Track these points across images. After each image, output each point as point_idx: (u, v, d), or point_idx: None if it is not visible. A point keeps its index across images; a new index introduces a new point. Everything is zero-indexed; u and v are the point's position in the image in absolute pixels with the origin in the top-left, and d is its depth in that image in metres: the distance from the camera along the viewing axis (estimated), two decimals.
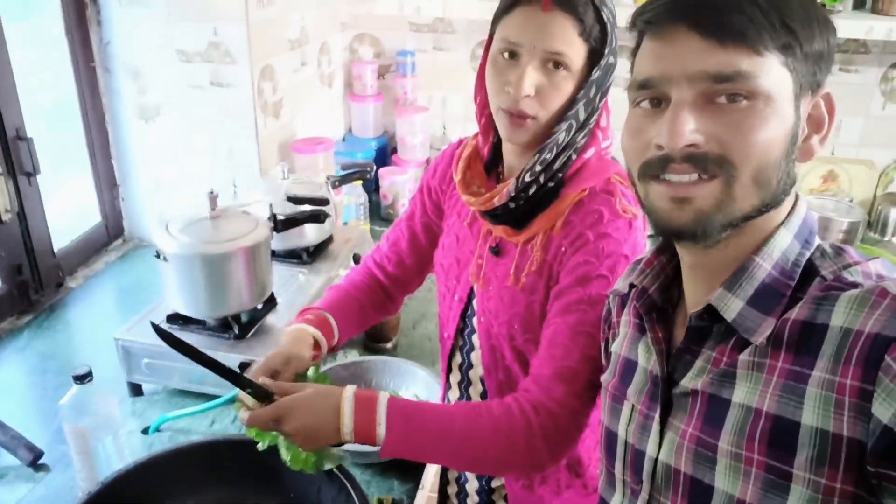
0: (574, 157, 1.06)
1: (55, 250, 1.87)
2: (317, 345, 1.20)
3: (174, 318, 1.47)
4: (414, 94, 2.67)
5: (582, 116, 1.03)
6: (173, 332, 1.01)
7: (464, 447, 0.99)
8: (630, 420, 0.82)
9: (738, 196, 0.67)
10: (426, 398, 1.44)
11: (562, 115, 1.03)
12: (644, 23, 0.71)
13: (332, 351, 1.27)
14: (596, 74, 1.02)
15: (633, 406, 0.82)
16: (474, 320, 1.22)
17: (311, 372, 1.15)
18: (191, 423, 1.40)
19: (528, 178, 1.05)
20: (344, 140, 2.70)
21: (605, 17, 1.00)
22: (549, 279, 1.08)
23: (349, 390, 0.99)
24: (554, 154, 1.04)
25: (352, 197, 2.22)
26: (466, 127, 2.62)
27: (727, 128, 0.66)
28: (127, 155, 2.10)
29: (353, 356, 1.60)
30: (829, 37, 0.68)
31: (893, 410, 0.57)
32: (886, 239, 2.43)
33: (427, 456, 1.03)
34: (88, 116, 1.99)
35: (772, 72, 0.65)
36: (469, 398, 1.28)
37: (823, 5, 0.66)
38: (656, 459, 0.77)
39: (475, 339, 1.23)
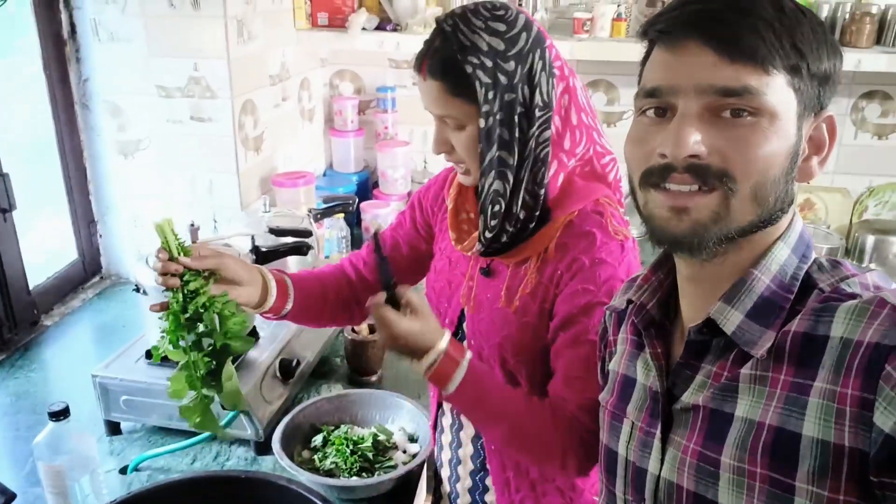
0: (540, 190, 1.06)
1: (30, 288, 1.83)
2: (264, 292, 1.17)
3: (151, 355, 1.43)
4: (395, 128, 2.69)
5: (511, 160, 1.03)
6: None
7: (511, 436, 1.05)
8: (630, 438, 0.82)
9: (736, 210, 0.68)
10: (413, 431, 1.42)
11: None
12: (657, 32, 0.72)
13: (280, 316, 1.23)
14: (485, 122, 1.02)
15: (633, 423, 0.82)
16: (465, 344, 1.20)
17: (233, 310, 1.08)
18: (170, 460, 1.36)
19: (487, 235, 1.08)
20: (325, 175, 2.70)
21: (468, 69, 1.01)
22: (543, 301, 1.08)
23: (444, 342, 1.02)
24: (503, 203, 1.05)
25: (333, 231, 2.21)
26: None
27: (730, 142, 0.67)
28: (105, 191, 2.08)
29: (337, 389, 1.57)
30: (835, 61, 0.69)
31: (895, 419, 0.57)
32: (864, 265, 2.46)
33: (479, 425, 1.15)
34: (66, 153, 1.98)
35: (778, 90, 0.66)
36: (461, 424, 1.26)
37: None
38: (658, 476, 0.76)
39: None
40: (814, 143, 0.72)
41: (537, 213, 1.07)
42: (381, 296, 1.05)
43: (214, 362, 1.05)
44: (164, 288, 1.05)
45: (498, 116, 1.02)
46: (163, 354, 1.04)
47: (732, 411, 0.69)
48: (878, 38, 2.22)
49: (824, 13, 2.25)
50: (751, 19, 0.66)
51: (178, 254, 1.05)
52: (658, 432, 0.77)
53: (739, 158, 0.67)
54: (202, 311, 1.04)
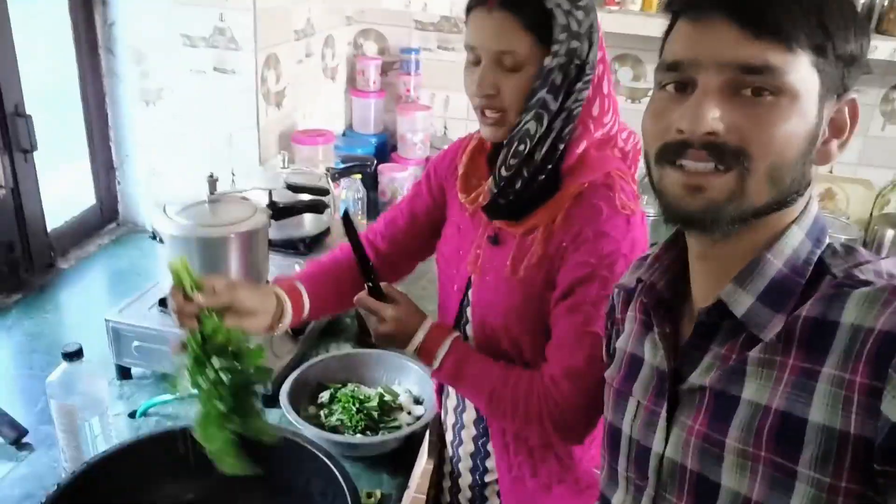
0: (562, 147, 1.07)
1: (48, 230, 1.84)
2: (280, 311, 1.19)
3: (167, 302, 1.45)
4: (416, 92, 2.67)
5: (552, 105, 1.03)
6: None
7: (491, 406, 1.12)
8: (636, 416, 0.82)
9: (751, 190, 0.67)
10: (418, 394, 1.43)
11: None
12: (682, 4, 0.71)
13: (300, 324, 1.25)
14: (551, 61, 1.02)
15: (638, 402, 0.82)
16: (469, 311, 1.21)
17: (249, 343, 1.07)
18: (179, 408, 1.38)
19: (503, 173, 1.07)
20: (344, 135, 2.69)
21: (549, 5, 1.01)
22: (548, 272, 1.08)
23: (427, 323, 1.15)
24: (529, 145, 1.05)
25: (350, 192, 2.20)
26: (469, 126, 2.57)
27: (749, 120, 0.66)
28: (126, 139, 2.08)
29: (345, 349, 1.59)
30: (863, 42, 0.68)
31: None
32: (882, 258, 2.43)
33: (465, 396, 1.24)
34: (89, 98, 1.98)
35: (801, 70, 0.65)
36: None
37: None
38: (662, 455, 0.76)
39: (469, 329, 1.22)
40: (835, 125, 0.70)
41: (550, 168, 1.07)
42: (365, 290, 1.16)
43: (237, 398, 1.02)
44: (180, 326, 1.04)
45: (561, 60, 1.02)
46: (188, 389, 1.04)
47: (739, 394, 0.68)
48: None
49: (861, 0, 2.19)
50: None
51: (193, 291, 1.04)
52: (664, 412, 0.77)
53: (757, 137, 0.66)
54: (220, 350, 1.02)
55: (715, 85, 0.66)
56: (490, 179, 1.10)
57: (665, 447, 0.76)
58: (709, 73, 0.66)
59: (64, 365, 1.11)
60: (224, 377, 1.01)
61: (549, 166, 1.07)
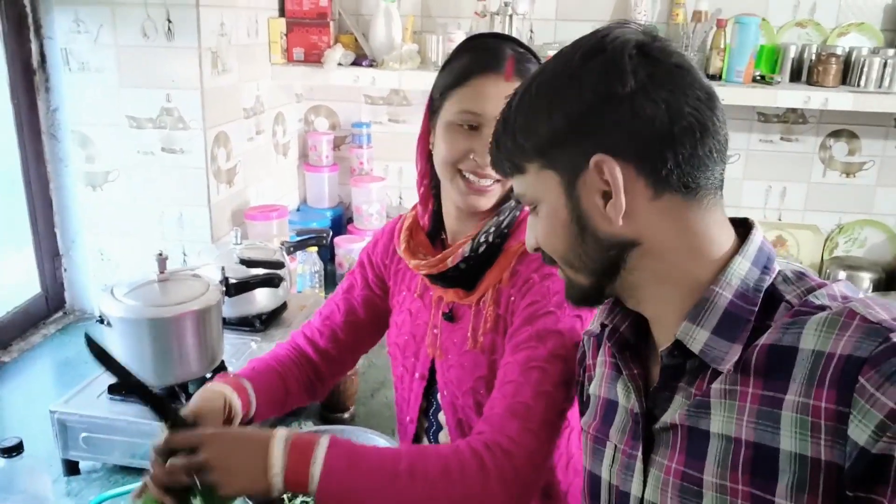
0: (518, 213, 1.09)
1: None
2: (229, 410, 1.05)
3: (117, 389, 1.38)
4: (370, 164, 2.68)
5: None
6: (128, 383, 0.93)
7: (411, 490, 0.86)
8: (613, 461, 0.81)
9: (572, 278, 0.78)
10: None
11: None
12: None
13: (245, 424, 1.10)
14: None
15: (615, 446, 0.81)
16: (438, 396, 1.17)
17: None
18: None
19: (482, 240, 1.07)
20: (298, 210, 2.67)
21: None
22: (504, 332, 1.06)
23: (283, 430, 0.87)
24: (516, 213, 1.08)
25: (307, 266, 2.17)
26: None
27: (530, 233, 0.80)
28: (71, 224, 2.03)
29: (308, 426, 1.52)
30: (554, 116, 0.71)
31: (869, 432, 0.57)
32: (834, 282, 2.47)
33: (368, 500, 0.87)
34: (32, 184, 1.93)
35: (534, 179, 0.74)
36: None
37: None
38: (642, 499, 0.75)
39: (441, 417, 1.17)
40: (597, 191, 0.70)
41: (498, 241, 1.08)
42: (176, 434, 0.88)
43: None
44: None
45: None
46: None
47: (708, 428, 0.68)
48: (844, 79, 2.27)
49: (792, 54, 2.30)
50: (495, 139, 0.78)
51: None
52: (640, 454, 0.76)
53: (543, 246, 0.78)
54: None
55: None
56: (467, 244, 1.07)
57: (644, 490, 0.75)
58: None
59: (2, 462, 1.03)
60: None
61: (507, 231, 1.08)
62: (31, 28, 1.85)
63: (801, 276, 0.71)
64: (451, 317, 1.13)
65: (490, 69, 1.01)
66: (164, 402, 0.92)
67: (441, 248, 1.15)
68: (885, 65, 2.19)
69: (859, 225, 2.56)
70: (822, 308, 0.65)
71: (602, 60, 0.68)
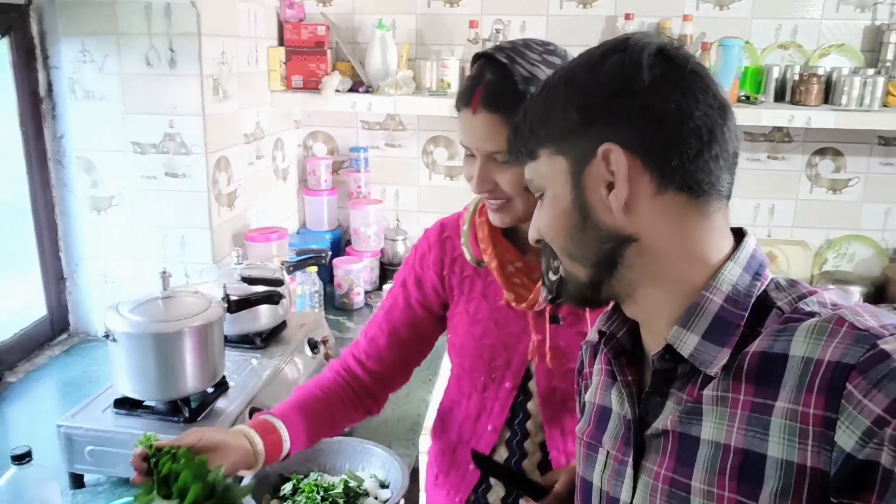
0: None
1: None
2: (253, 453, 1.10)
3: (122, 403, 1.42)
4: (367, 187, 2.74)
5: None
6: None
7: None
8: (605, 467, 0.81)
9: (571, 270, 0.78)
10: (384, 478, 1.40)
11: None
12: None
13: (284, 459, 1.18)
14: None
15: (608, 452, 0.81)
16: (529, 405, 1.17)
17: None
18: None
19: (552, 277, 1.07)
20: (298, 233, 2.72)
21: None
22: None
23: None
24: None
25: (306, 286, 2.22)
26: (420, 218, 2.68)
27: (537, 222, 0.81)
28: (76, 248, 2.08)
29: None
30: (569, 105, 0.73)
31: (856, 438, 0.58)
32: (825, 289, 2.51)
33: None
34: (38, 209, 1.98)
35: (543, 166, 0.76)
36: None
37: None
38: None
39: (528, 425, 1.18)
40: (602, 181, 0.71)
41: None
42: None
43: None
44: None
45: None
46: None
47: (699, 434, 0.69)
48: (826, 98, 2.34)
49: (775, 74, 2.37)
50: (513, 128, 0.81)
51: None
52: (630, 460, 0.77)
53: (544, 235, 0.80)
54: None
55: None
56: (542, 291, 1.09)
57: (633, 496, 0.76)
58: None
59: (12, 469, 1.07)
60: None
61: None
62: (39, 58, 1.92)
63: (793, 283, 0.72)
64: (558, 319, 1.13)
65: (463, 104, 1.06)
66: (527, 480, 1.07)
67: (512, 239, 1.17)
68: (865, 84, 2.25)
69: (847, 240, 2.60)
70: (812, 315, 0.65)
71: (621, 57, 0.70)
